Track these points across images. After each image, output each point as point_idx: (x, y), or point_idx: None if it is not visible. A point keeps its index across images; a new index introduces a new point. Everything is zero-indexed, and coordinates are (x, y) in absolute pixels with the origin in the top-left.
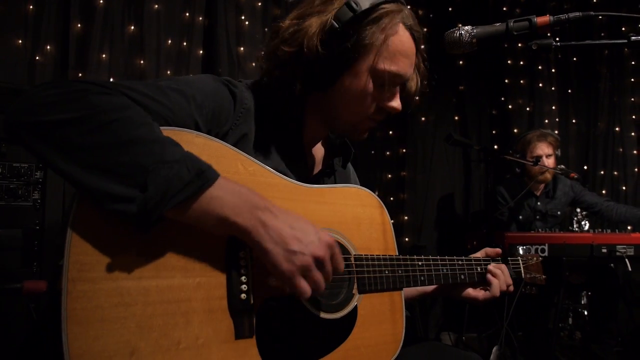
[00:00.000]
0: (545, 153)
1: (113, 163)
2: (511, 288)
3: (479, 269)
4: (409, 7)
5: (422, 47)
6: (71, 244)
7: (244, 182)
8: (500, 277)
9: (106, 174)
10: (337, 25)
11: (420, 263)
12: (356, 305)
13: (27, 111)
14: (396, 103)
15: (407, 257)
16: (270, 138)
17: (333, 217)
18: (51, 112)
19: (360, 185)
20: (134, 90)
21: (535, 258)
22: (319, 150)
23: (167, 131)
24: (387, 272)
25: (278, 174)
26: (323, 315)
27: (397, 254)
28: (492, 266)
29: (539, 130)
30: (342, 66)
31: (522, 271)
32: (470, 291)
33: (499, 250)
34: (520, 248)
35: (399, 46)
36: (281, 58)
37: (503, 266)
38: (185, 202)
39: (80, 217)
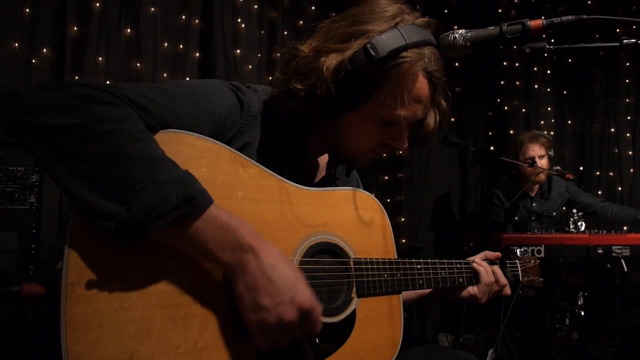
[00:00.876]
0: (538, 154)
1: (102, 175)
2: (507, 289)
3: None
4: (433, 45)
5: (444, 85)
6: (71, 249)
7: (243, 184)
8: (483, 264)
9: (94, 186)
10: (351, 69)
11: (419, 267)
12: (355, 308)
13: (26, 111)
14: (402, 142)
15: (406, 260)
16: (274, 146)
17: (333, 219)
18: (51, 115)
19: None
20: (136, 93)
21: (532, 261)
22: (323, 157)
23: (168, 133)
24: (386, 276)
25: (279, 176)
26: (322, 318)
27: (397, 257)
28: (476, 260)
29: (530, 132)
30: (351, 106)
31: (520, 274)
32: (470, 289)
33: (499, 254)
34: (517, 250)
35: (414, 93)
36: (294, 93)
37: (485, 264)
38: (168, 227)
39: (80, 222)
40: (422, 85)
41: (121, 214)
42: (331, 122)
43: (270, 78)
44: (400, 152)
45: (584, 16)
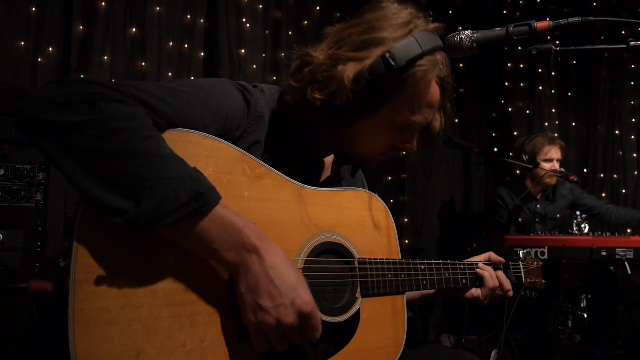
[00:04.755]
0: (557, 157)
1: (112, 172)
2: (510, 293)
3: None
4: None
5: (452, 92)
6: (78, 246)
7: (249, 184)
8: (488, 269)
9: (104, 183)
10: (370, 78)
11: (423, 267)
12: (359, 309)
13: (38, 108)
14: (412, 146)
15: (410, 261)
16: (281, 145)
17: (338, 220)
18: (61, 112)
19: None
20: (144, 91)
21: (535, 263)
22: (328, 157)
23: (175, 132)
24: (390, 277)
25: (285, 177)
26: (326, 318)
27: (401, 258)
28: (480, 265)
29: (545, 134)
30: (365, 113)
31: (523, 276)
32: (474, 291)
33: (503, 260)
34: (520, 252)
35: (428, 99)
36: (310, 102)
37: (489, 268)
38: (176, 223)
39: (87, 219)
40: (435, 91)
41: (131, 211)
42: (340, 128)
43: (282, 84)
44: (409, 152)
45: (591, 18)
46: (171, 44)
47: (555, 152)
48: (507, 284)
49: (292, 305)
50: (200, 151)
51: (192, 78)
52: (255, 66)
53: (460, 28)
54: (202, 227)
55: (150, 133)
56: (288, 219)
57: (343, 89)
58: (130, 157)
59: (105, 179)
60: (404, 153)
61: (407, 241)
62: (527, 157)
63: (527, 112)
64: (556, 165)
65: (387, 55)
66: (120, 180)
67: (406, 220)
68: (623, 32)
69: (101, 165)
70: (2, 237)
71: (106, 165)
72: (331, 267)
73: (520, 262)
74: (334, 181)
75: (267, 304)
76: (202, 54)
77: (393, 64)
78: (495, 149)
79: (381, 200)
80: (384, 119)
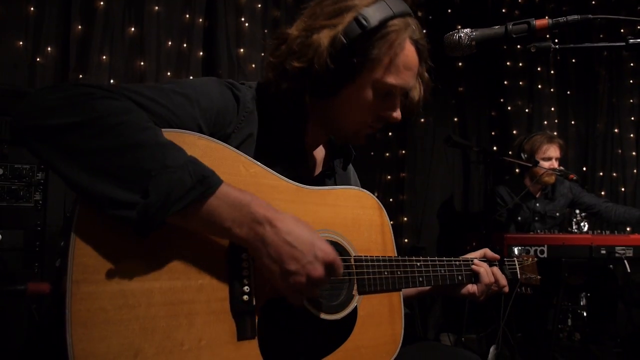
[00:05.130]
0: (555, 156)
1: (116, 167)
2: (506, 289)
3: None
4: (417, 15)
5: (427, 56)
6: (75, 246)
7: (245, 184)
8: (483, 265)
9: (108, 178)
10: (346, 41)
11: (418, 264)
12: (356, 306)
13: (31, 115)
14: (396, 113)
15: (406, 258)
16: (272, 140)
17: (333, 218)
18: (55, 116)
19: (360, 186)
20: (136, 93)
21: (530, 259)
22: (319, 152)
23: (170, 133)
24: (386, 274)
25: (280, 175)
26: (324, 316)
27: (396, 255)
28: (475, 261)
29: (544, 132)
30: (346, 78)
31: (518, 272)
32: (469, 287)
33: (498, 256)
34: (515, 249)
35: (404, 60)
36: (290, 72)
37: (485, 264)
38: (186, 208)
39: (84, 219)
40: (410, 52)
41: (140, 203)
42: (325, 103)
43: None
44: (394, 122)
45: (590, 16)
46: (170, 43)
47: (553, 151)
48: (503, 280)
49: (316, 259)
50: (195, 151)
51: (191, 77)
52: (254, 65)
53: (459, 26)
54: (211, 207)
55: (146, 124)
56: None
57: (320, 54)
58: (131, 150)
59: (109, 175)
60: (390, 122)
61: (406, 240)
62: (525, 155)
63: (526, 110)
64: (555, 164)
65: (360, 17)
66: (124, 173)
67: (405, 219)
68: (622, 30)
69: (103, 161)
70: (1, 237)
71: (108, 161)
72: None
73: (515, 258)
74: (327, 175)
75: (294, 267)
76: (201, 53)
77: (365, 24)
78: (495, 148)
79: (375, 198)
80: (363, 86)
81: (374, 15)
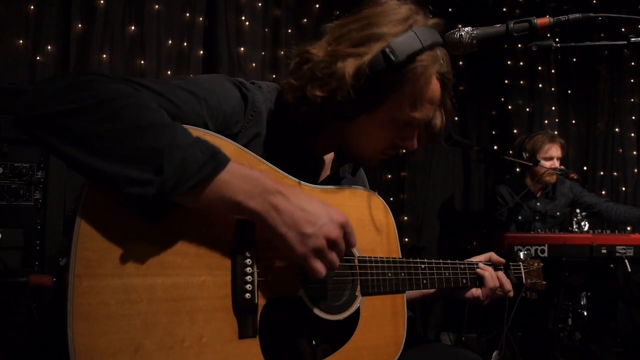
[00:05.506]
0: (557, 156)
1: (127, 148)
2: (511, 293)
3: None
4: (443, 46)
5: (452, 86)
6: (78, 241)
7: None
8: (488, 269)
9: (121, 159)
10: (370, 74)
11: (423, 266)
12: (359, 307)
13: (36, 105)
14: (412, 142)
15: (410, 260)
16: (280, 143)
17: None
18: (61, 103)
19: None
20: (143, 85)
21: (536, 264)
22: (328, 155)
23: None
24: (390, 275)
25: (285, 173)
26: (326, 316)
27: (401, 256)
28: (480, 264)
29: (546, 132)
30: (366, 108)
31: (524, 276)
32: (474, 291)
33: (503, 260)
34: (521, 253)
35: (429, 96)
36: (311, 99)
37: (490, 268)
38: (200, 184)
39: (87, 214)
40: (435, 87)
41: (156, 179)
42: (342, 125)
43: (280, 82)
44: (409, 150)
45: (592, 14)
46: (170, 41)
47: (555, 150)
48: (508, 284)
49: (332, 221)
50: None
51: (191, 75)
52: (254, 64)
53: (460, 25)
54: (222, 181)
55: (151, 105)
56: None
57: (343, 85)
58: (140, 130)
59: (121, 156)
60: (404, 151)
61: (407, 239)
62: (527, 154)
63: (527, 109)
64: (556, 163)
65: (387, 50)
66: (136, 153)
67: (406, 218)
68: (623, 29)
69: (113, 143)
70: (1, 235)
71: (118, 142)
72: None
73: (521, 263)
74: (333, 180)
75: (311, 229)
76: (201, 51)
77: (393, 58)
78: (495, 147)
79: (381, 199)
80: (384, 116)
81: (402, 49)
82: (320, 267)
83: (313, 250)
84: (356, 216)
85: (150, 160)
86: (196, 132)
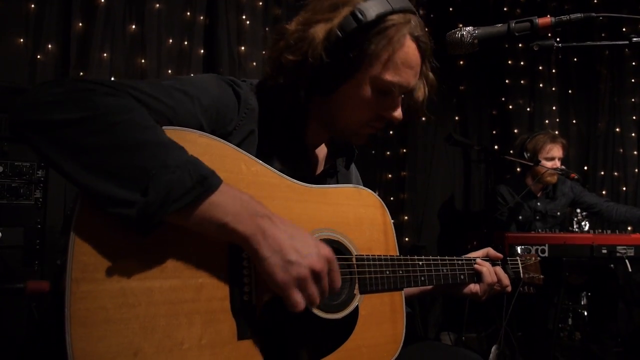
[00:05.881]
0: (558, 155)
1: (116, 166)
2: (509, 289)
3: None
4: (418, 13)
5: (431, 55)
6: (75, 244)
7: (246, 182)
8: (486, 264)
9: (108, 177)
10: (341, 35)
11: (420, 263)
12: (357, 305)
13: (31, 109)
14: (397, 113)
15: (408, 257)
16: (273, 138)
17: (335, 217)
18: (56, 111)
19: (361, 185)
20: (137, 89)
21: (533, 258)
22: (321, 151)
23: (171, 131)
24: (388, 273)
25: (281, 174)
26: (325, 315)
27: (398, 254)
28: (478, 260)
29: (547, 131)
30: (344, 75)
31: (521, 271)
32: (472, 287)
33: (501, 255)
34: (518, 248)
35: (404, 58)
36: (285, 66)
37: (487, 264)
38: (185, 208)
39: (84, 217)
40: (410, 49)
41: (139, 201)
42: (325, 101)
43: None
44: (395, 122)
45: (593, 14)
46: (171, 40)
47: (557, 151)
48: (505, 280)
49: (318, 254)
50: (196, 149)
51: (191, 75)
52: (255, 63)
53: (461, 25)
54: (211, 204)
55: (148, 123)
56: (285, 217)
57: (314, 47)
58: (131, 149)
59: (109, 173)
60: (391, 125)
61: (407, 239)
62: (528, 154)
63: (528, 109)
64: (558, 164)
65: (356, 11)
66: (124, 172)
67: (406, 217)
68: (624, 29)
69: (103, 159)
70: (1, 234)
71: (108, 158)
72: None
73: (518, 258)
74: (329, 173)
75: (295, 257)
76: (202, 51)
77: (362, 18)
78: (496, 147)
79: (377, 196)
80: (362, 82)
81: (371, 9)
82: (299, 299)
83: (295, 280)
84: (354, 215)
85: (137, 180)
86: (190, 135)
